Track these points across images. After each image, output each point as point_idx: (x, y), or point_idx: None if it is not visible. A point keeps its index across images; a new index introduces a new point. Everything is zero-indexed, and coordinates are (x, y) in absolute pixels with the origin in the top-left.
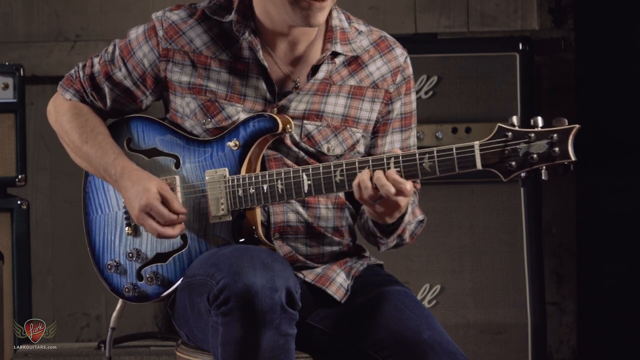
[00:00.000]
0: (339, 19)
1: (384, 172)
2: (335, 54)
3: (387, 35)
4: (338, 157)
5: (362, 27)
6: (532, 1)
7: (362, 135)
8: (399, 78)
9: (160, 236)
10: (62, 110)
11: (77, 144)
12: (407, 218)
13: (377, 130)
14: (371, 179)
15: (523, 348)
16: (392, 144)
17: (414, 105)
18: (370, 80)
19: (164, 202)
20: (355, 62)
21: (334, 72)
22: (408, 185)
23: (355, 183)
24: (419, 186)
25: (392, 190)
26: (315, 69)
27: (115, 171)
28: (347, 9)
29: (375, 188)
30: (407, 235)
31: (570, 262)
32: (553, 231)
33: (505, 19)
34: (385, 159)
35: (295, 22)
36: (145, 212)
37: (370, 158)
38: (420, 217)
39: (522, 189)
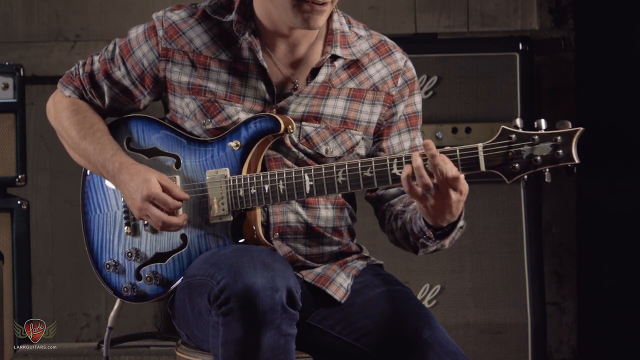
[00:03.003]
0: (340, 23)
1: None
2: (334, 57)
3: (387, 39)
4: (336, 159)
5: (362, 32)
6: (532, 1)
7: (362, 138)
8: (400, 81)
9: (165, 225)
10: (61, 107)
11: (76, 140)
12: (461, 223)
13: (382, 133)
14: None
15: (523, 348)
16: (402, 144)
17: (419, 106)
18: (370, 83)
19: (165, 191)
20: (354, 66)
21: (334, 75)
22: (455, 171)
23: (404, 176)
24: None
25: (444, 168)
26: (314, 72)
27: (113, 167)
28: (347, 9)
29: (429, 173)
30: (447, 241)
31: (570, 262)
32: (553, 231)
33: (505, 19)
34: (388, 160)
35: (295, 25)
36: (148, 201)
37: (373, 159)
38: (460, 222)
39: (522, 189)
